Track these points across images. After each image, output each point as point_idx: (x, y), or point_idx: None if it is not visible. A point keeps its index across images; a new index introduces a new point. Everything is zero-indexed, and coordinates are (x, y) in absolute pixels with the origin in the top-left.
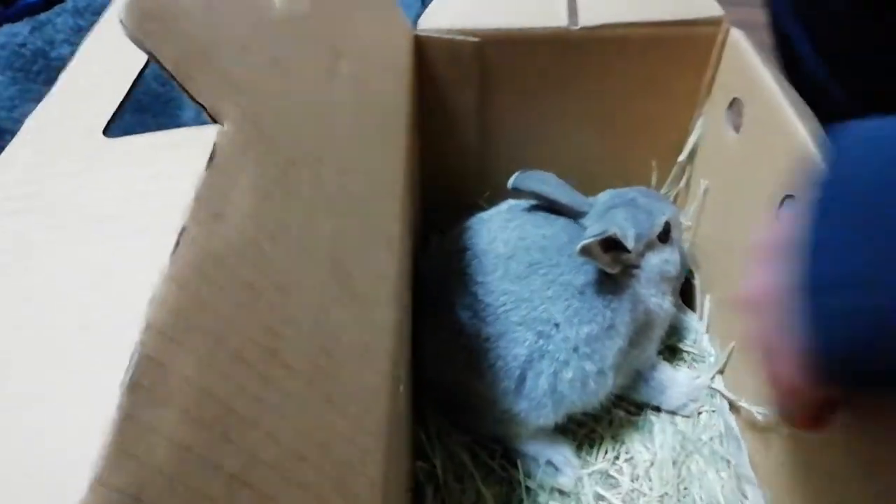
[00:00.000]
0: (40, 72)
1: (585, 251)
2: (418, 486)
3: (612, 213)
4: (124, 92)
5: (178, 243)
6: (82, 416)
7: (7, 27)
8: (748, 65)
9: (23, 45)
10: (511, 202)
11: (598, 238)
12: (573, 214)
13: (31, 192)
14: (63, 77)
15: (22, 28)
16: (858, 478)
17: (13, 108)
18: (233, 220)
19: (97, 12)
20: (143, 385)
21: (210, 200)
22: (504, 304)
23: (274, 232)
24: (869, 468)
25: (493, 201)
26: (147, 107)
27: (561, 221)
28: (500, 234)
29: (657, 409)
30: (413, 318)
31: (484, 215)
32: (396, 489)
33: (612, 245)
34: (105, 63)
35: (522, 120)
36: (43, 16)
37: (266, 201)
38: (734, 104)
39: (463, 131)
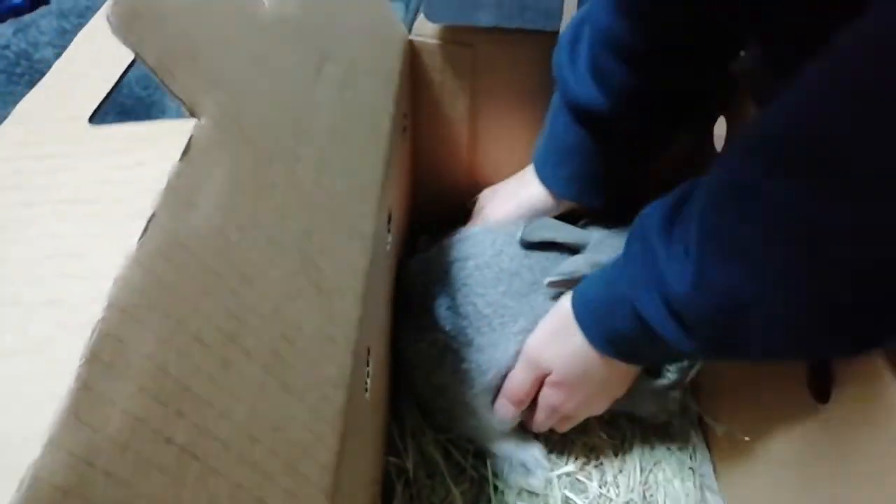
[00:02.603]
0: (24, 73)
1: (554, 285)
2: (389, 481)
3: (601, 247)
4: (112, 82)
5: (146, 229)
6: (43, 386)
7: None
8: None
9: (6, 46)
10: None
11: (563, 279)
12: (575, 249)
13: (13, 170)
14: (55, 66)
15: (6, 29)
16: (820, 493)
17: None
18: (202, 211)
19: (82, 15)
20: (101, 359)
21: (181, 190)
22: (503, 318)
23: (243, 224)
24: (829, 486)
25: None
26: (130, 110)
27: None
28: (506, 248)
29: (630, 417)
30: (395, 314)
31: (487, 227)
32: (356, 478)
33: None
34: (94, 57)
35: (514, 127)
36: (27, 17)
37: (238, 194)
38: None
39: (455, 136)
